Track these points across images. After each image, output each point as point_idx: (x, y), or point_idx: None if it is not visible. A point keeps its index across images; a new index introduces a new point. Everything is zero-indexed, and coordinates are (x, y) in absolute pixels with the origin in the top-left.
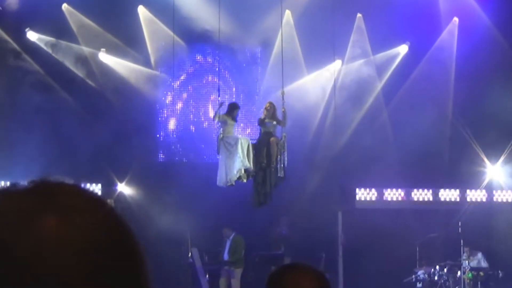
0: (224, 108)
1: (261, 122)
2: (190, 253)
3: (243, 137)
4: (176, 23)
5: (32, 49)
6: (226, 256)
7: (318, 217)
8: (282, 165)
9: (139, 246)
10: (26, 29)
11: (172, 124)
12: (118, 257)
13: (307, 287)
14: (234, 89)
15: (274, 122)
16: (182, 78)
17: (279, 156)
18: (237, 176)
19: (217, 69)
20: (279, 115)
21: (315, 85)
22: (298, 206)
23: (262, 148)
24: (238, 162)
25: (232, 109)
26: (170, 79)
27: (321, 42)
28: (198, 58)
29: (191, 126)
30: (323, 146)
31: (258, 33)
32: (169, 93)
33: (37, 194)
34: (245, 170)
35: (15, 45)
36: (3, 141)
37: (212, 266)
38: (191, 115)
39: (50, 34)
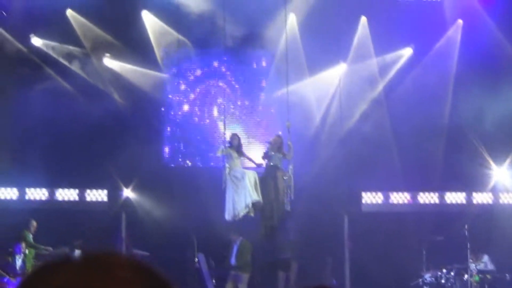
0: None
1: (267, 156)
2: (196, 259)
3: (250, 171)
4: (182, 26)
5: (38, 54)
6: (233, 261)
7: (325, 221)
8: (288, 199)
9: None
10: (30, 35)
11: (178, 129)
12: None
13: None
14: (238, 92)
15: (280, 155)
16: (183, 86)
17: (286, 190)
18: (246, 210)
19: (223, 71)
20: (285, 148)
21: (318, 88)
22: (304, 210)
23: (269, 182)
24: (247, 196)
25: (233, 140)
26: (176, 83)
27: (325, 44)
28: (204, 62)
29: (197, 131)
30: (327, 149)
31: (262, 36)
32: (175, 97)
33: (93, 267)
34: (253, 204)
35: (22, 48)
36: (7, 148)
37: (219, 271)
38: (197, 119)
39: (55, 40)
